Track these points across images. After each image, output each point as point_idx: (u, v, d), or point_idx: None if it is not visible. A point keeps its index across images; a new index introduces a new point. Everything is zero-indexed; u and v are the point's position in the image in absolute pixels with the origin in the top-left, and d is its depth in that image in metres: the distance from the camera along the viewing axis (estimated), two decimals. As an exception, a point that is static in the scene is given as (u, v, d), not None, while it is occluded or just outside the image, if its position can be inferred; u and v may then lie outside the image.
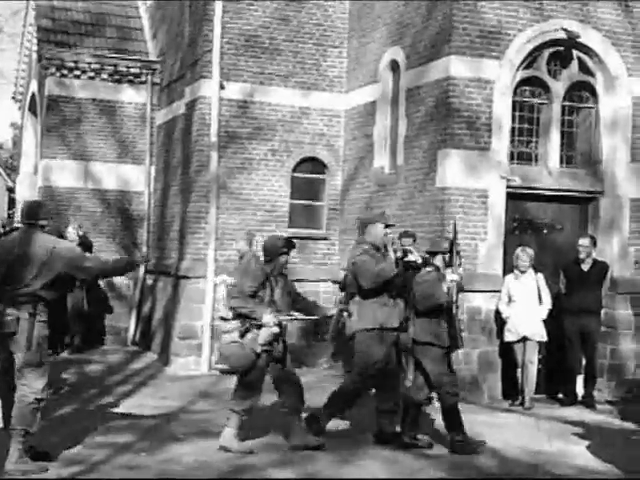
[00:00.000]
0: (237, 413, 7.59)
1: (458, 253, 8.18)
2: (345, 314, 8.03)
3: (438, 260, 8.07)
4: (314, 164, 13.64)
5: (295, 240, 12.83)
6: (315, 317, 8.07)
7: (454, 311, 7.99)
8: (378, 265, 7.78)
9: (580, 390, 10.82)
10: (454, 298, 7.96)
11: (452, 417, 7.79)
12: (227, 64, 13.07)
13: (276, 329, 7.44)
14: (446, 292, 7.83)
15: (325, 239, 13.59)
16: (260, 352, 7.42)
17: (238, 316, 7.50)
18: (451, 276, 7.99)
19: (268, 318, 7.38)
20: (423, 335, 7.81)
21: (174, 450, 7.52)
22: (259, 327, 7.40)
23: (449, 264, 8.03)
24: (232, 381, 10.92)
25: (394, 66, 12.49)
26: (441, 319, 7.85)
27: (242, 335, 7.44)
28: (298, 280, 12.93)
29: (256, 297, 7.51)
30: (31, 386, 6.66)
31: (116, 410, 9.17)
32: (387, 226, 8.14)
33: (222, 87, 13.02)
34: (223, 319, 12.00)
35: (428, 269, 8.04)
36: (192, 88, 13.50)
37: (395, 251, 8.04)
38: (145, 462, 7.09)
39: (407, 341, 7.99)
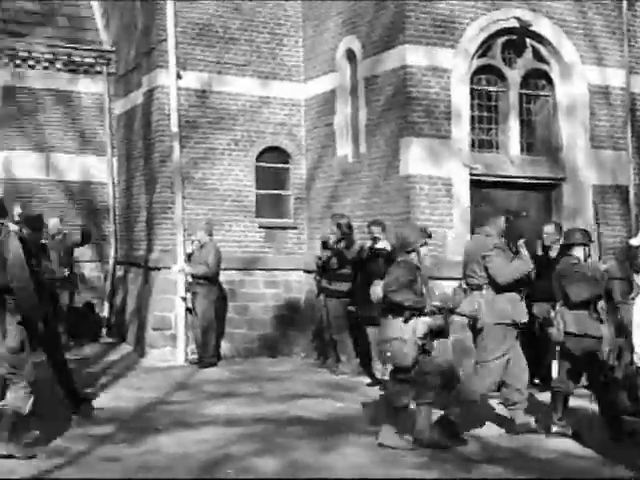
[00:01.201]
0: (396, 409, 7.51)
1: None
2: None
3: (578, 252, 8.12)
4: (278, 153, 13.72)
5: (263, 230, 13.35)
6: (474, 315, 7.85)
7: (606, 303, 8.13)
8: (513, 262, 7.87)
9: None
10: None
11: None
12: (183, 53, 13.03)
13: (440, 320, 7.41)
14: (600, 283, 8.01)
15: (294, 228, 13.68)
16: (420, 345, 7.31)
17: (392, 310, 7.35)
18: (602, 266, 8.18)
19: (431, 309, 7.34)
20: (578, 327, 7.86)
21: (153, 441, 7.57)
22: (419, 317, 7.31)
23: (588, 255, 8.14)
24: (207, 373, 11.34)
25: (350, 55, 12.62)
26: (591, 310, 7.92)
27: (406, 321, 7.29)
28: (269, 269, 13.32)
29: (411, 289, 7.36)
30: (17, 371, 6.97)
31: (94, 402, 9.15)
32: (507, 220, 8.23)
33: (179, 76, 13.00)
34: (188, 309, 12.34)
35: (572, 261, 8.06)
36: (149, 77, 13.46)
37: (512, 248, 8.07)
38: (125, 453, 7.15)
39: (558, 335, 7.98)
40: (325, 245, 11.35)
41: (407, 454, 7.26)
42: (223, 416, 8.64)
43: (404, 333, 7.29)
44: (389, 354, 7.41)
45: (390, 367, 7.71)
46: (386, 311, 7.46)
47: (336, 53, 12.86)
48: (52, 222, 13.07)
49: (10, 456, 6.86)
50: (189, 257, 12.27)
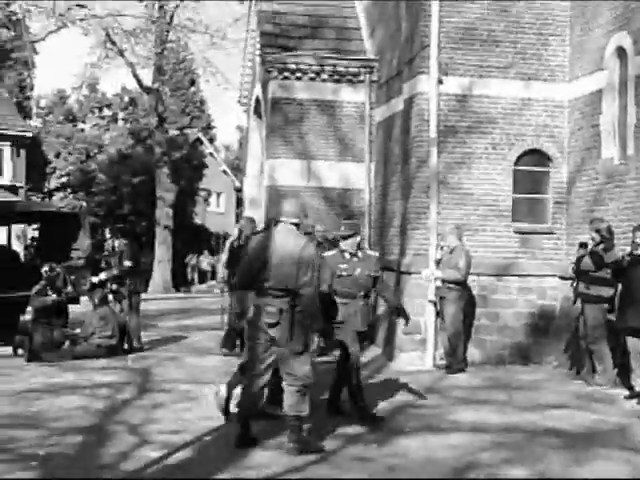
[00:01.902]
0: None
1: None
2: None
3: None
4: (537, 156, 13.24)
5: (518, 235, 12.90)
6: None
7: None
8: None
9: None
10: None
11: None
12: (445, 58, 12.96)
13: None
14: None
15: (551, 233, 13.15)
16: None
17: None
18: None
19: None
20: None
21: (402, 444, 7.58)
22: None
23: None
24: (455, 378, 11.17)
25: (621, 52, 11.96)
26: None
27: None
28: (523, 275, 12.86)
29: None
30: (296, 373, 7.15)
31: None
32: None
33: (440, 82, 12.92)
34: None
35: None
36: (410, 84, 13.50)
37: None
38: (374, 454, 7.19)
39: None
40: (582, 245, 10.88)
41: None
42: (472, 423, 8.51)
43: None
44: None
45: None
46: None
47: (605, 51, 12.22)
48: (317, 228, 13.55)
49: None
50: (438, 263, 12.21)
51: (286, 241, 7.17)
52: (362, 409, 8.51)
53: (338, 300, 8.45)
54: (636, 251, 9.96)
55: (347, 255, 8.67)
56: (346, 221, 9.59)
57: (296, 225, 7.30)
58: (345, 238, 8.73)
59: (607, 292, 10.56)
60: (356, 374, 8.56)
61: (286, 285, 7.08)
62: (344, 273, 8.54)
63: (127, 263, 13.15)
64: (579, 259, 10.93)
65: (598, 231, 10.69)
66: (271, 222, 7.97)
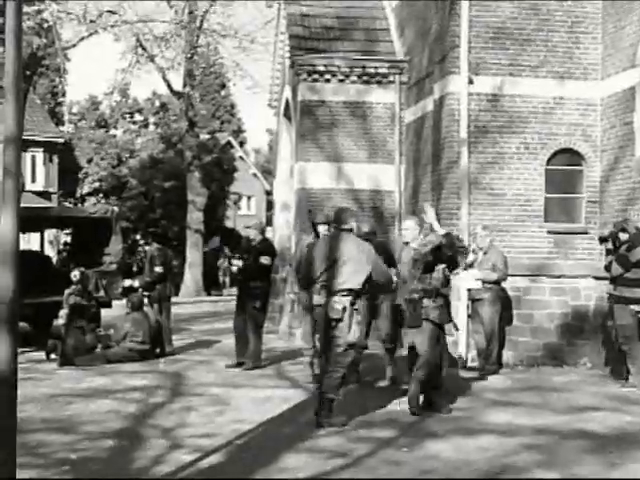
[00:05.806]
0: None
1: None
2: None
3: None
4: (570, 156, 13.11)
5: (552, 235, 12.73)
6: None
7: None
8: None
9: None
10: None
11: None
12: (475, 58, 12.90)
13: None
14: None
15: (584, 233, 13.01)
16: None
17: None
18: None
19: None
20: None
21: (433, 447, 7.49)
22: None
23: None
24: (488, 380, 11.03)
25: (655, 49, 11.82)
26: None
27: None
28: (557, 276, 12.71)
29: None
30: (342, 363, 8.19)
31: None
32: None
33: (471, 82, 12.86)
34: None
35: None
36: (440, 85, 13.44)
37: None
38: (405, 458, 7.11)
39: None
40: (602, 240, 10.67)
41: None
42: (504, 425, 8.39)
43: None
44: None
45: None
46: None
47: (638, 47, 12.04)
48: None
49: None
50: (471, 264, 11.97)
51: (349, 245, 8.21)
52: None
53: None
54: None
55: None
56: None
57: (350, 230, 8.32)
58: None
59: (635, 292, 10.36)
60: None
61: (348, 285, 8.09)
62: None
63: (157, 269, 13.17)
64: (608, 264, 10.63)
65: (624, 230, 10.51)
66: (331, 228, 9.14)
